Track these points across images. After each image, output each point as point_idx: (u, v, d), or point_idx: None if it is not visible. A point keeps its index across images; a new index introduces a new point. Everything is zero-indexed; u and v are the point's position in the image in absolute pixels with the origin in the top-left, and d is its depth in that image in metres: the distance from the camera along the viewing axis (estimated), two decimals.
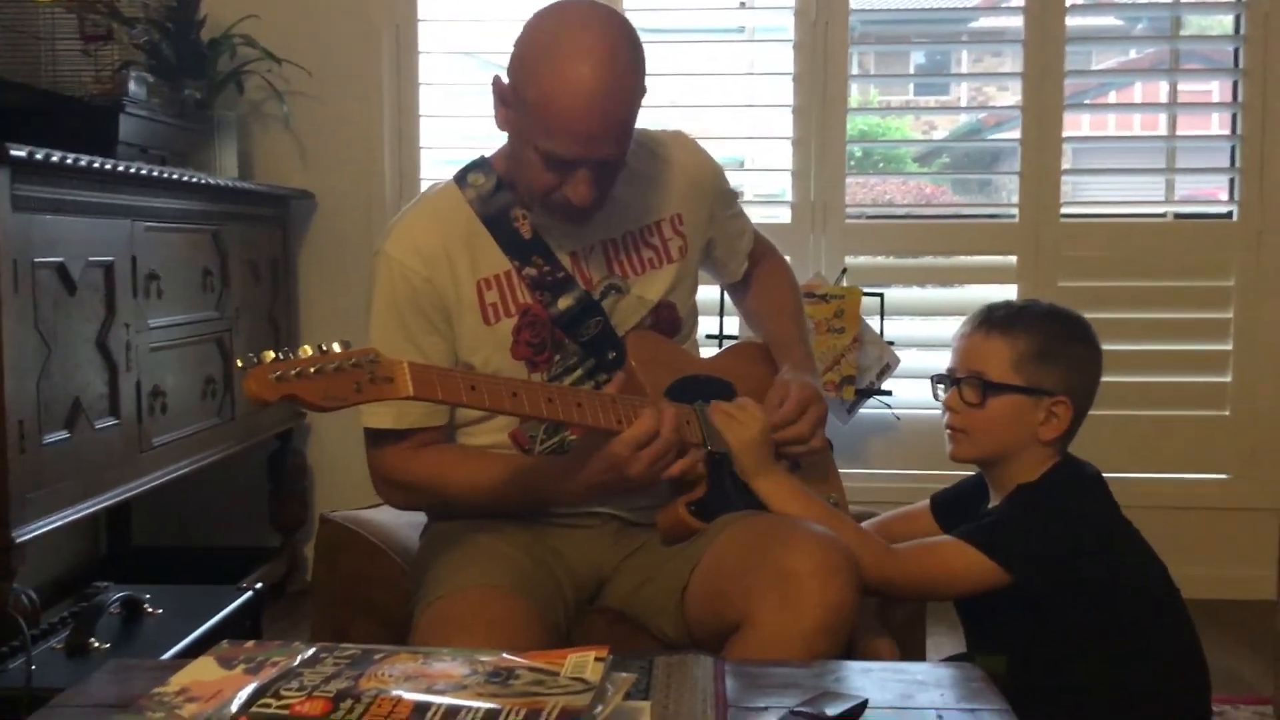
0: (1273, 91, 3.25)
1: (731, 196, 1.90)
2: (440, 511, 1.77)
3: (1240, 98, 3.30)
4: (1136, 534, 1.69)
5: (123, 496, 2.36)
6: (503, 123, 1.62)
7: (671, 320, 1.77)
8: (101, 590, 2.05)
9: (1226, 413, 3.33)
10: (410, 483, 1.68)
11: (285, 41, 3.21)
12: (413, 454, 1.66)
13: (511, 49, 1.59)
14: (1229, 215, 3.35)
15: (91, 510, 2.23)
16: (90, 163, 2.18)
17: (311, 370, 1.29)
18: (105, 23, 2.79)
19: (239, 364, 1.30)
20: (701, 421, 1.69)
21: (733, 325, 3.07)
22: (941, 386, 1.76)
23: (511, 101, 1.58)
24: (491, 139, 1.77)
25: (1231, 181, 3.36)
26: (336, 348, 1.33)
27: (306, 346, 1.31)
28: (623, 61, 1.52)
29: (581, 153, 1.53)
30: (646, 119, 1.64)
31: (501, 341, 1.66)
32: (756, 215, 2.06)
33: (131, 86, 2.58)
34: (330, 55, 3.32)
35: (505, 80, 1.59)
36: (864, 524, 1.80)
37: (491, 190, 1.68)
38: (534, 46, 1.55)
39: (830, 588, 1.46)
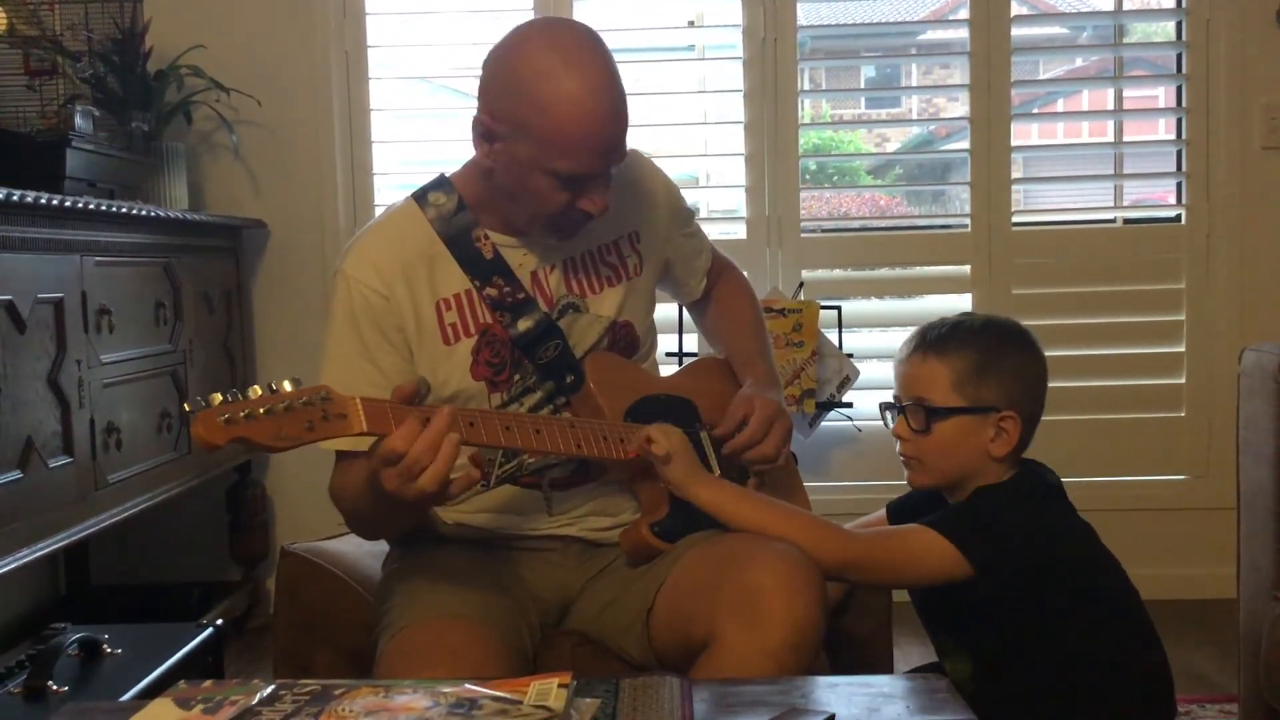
0: (1215, 95, 3.30)
1: (688, 215, 1.90)
2: (369, 530, 1.73)
3: (1184, 102, 3.35)
4: (1095, 537, 1.70)
5: (79, 535, 2.32)
6: (490, 157, 1.59)
7: (629, 339, 1.77)
8: (59, 632, 2.02)
9: (1182, 414, 3.37)
10: (335, 497, 1.65)
11: (233, 71, 3.19)
12: (335, 473, 1.64)
13: (491, 82, 1.57)
14: (1177, 219, 3.40)
15: (47, 551, 2.20)
16: (37, 198, 2.16)
17: (261, 411, 1.27)
18: (50, 57, 2.78)
19: (187, 408, 1.27)
20: None
21: (692, 342, 3.08)
22: (890, 415, 1.75)
23: (506, 134, 1.55)
24: (445, 163, 1.76)
25: (1179, 185, 3.41)
26: (288, 386, 1.31)
27: (256, 387, 1.29)
28: (610, 66, 1.56)
29: (601, 165, 1.55)
30: None
31: (461, 362, 1.65)
32: (713, 231, 2.07)
33: (77, 120, 2.56)
34: (279, 83, 3.30)
35: (489, 116, 1.57)
36: None
37: (453, 210, 1.68)
38: (525, 73, 1.52)
39: (796, 604, 1.46)
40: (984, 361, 1.67)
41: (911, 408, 1.69)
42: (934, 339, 1.70)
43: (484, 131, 1.58)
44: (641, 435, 1.65)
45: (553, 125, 1.51)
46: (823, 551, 1.55)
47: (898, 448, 1.73)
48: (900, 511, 1.85)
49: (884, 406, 1.77)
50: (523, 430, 1.51)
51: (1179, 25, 3.38)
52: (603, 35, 1.61)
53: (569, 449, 1.56)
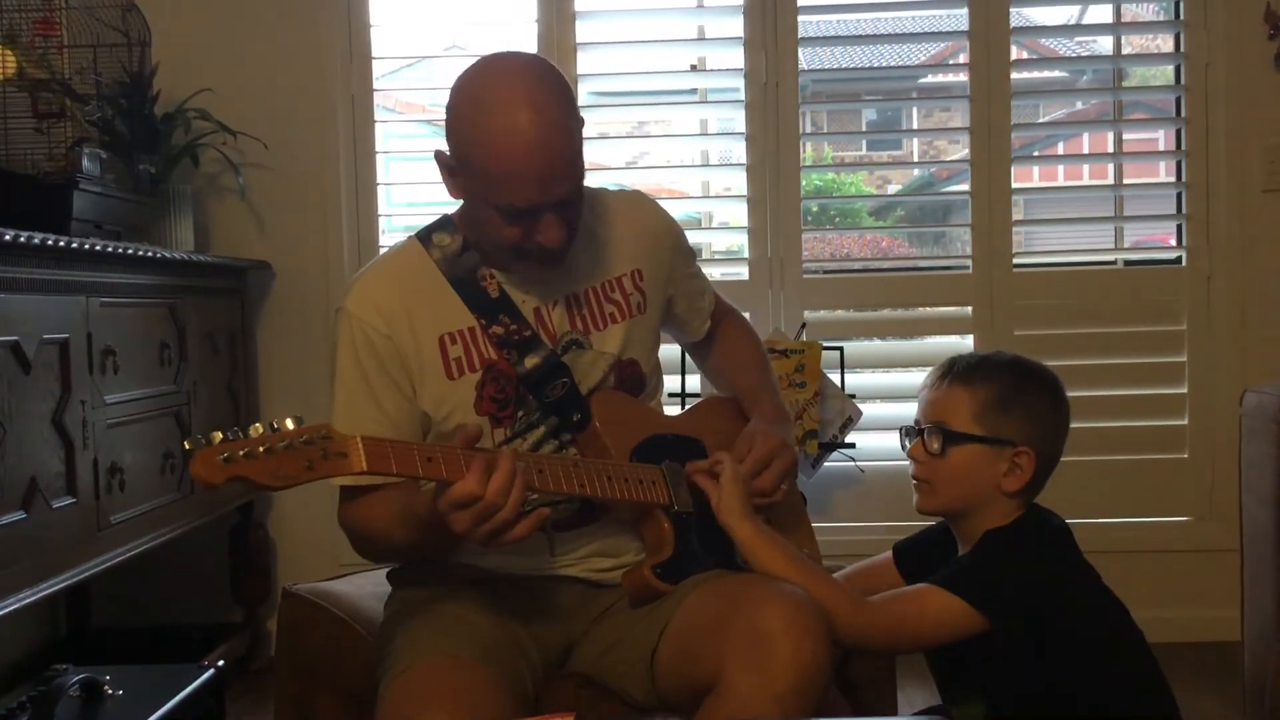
0: (1215, 138, 3.32)
1: (690, 255, 1.91)
2: (387, 557, 1.75)
3: (1184, 145, 3.37)
4: (1099, 579, 1.70)
5: (81, 576, 2.31)
6: (455, 190, 1.64)
7: (635, 377, 1.77)
8: (60, 673, 2.01)
9: (1185, 455, 3.36)
10: (352, 530, 1.66)
11: (240, 114, 3.22)
12: (356, 502, 1.64)
13: (447, 117, 1.60)
14: (1178, 260, 3.41)
15: (50, 592, 2.19)
16: (43, 240, 2.17)
17: (261, 450, 1.28)
18: (58, 100, 2.79)
19: (187, 445, 1.28)
20: (669, 482, 1.69)
21: (694, 383, 3.08)
22: (908, 438, 1.77)
23: (458, 169, 1.60)
24: (449, 204, 1.78)
25: (1179, 227, 3.42)
26: (289, 424, 1.31)
27: (258, 425, 1.29)
28: (551, 98, 1.54)
29: (540, 199, 1.54)
30: (606, 180, 1.65)
31: (465, 397, 1.66)
32: (715, 273, 2.09)
33: (85, 163, 2.58)
34: (285, 126, 3.33)
35: (446, 151, 1.61)
36: None
37: (458, 251, 1.69)
38: (465, 110, 1.56)
39: (803, 648, 1.45)
40: (1007, 395, 1.68)
41: (931, 430, 1.70)
42: (962, 368, 1.72)
43: (445, 167, 1.62)
44: (715, 459, 1.69)
45: (486, 161, 1.53)
46: (841, 622, 1.55)
47: (911, 470, 1.74)
48: (908, 553, 1.84)
49: (904, 430, 1.77)
50: (525, 469, 1.51)
51: (1178, 69, 3.41)
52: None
53: (572, 489, 1.56)
